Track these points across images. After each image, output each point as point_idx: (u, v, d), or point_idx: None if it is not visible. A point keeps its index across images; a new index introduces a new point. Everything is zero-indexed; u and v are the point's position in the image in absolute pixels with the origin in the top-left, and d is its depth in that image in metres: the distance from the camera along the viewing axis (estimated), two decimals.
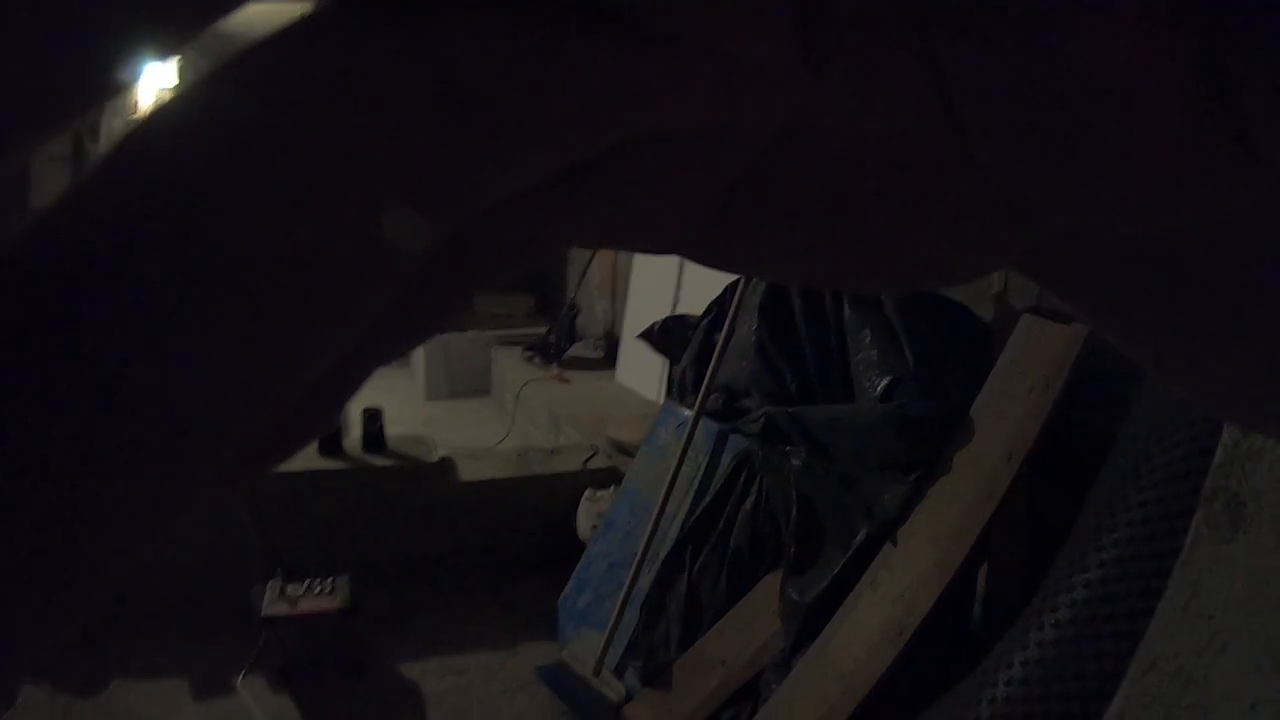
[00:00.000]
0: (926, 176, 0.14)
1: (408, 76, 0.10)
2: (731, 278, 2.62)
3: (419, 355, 4.96)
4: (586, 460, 3.27)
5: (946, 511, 1.83)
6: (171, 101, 0.09)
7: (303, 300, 0.09)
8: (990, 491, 1.78)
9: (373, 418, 3.06)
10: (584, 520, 2.96)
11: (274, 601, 2.51)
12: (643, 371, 3.99)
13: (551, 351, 4.63)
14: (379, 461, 3.00)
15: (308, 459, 2.90)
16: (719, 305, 2.70)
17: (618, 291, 4.63)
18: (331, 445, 2.96)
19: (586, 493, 3.05)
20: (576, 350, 4.68)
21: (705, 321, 2.74)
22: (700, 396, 2.51)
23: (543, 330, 4.88)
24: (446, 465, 3.09)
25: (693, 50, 0.11)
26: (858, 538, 1.96)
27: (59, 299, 0.08)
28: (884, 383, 2.04)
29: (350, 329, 0.10)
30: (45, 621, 0.08)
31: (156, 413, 0.08)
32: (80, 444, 0.08)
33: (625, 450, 3.21)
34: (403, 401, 4.51)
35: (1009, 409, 1.85)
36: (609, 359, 4.49)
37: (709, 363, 2.54)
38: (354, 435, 3.04)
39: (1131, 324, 0.17)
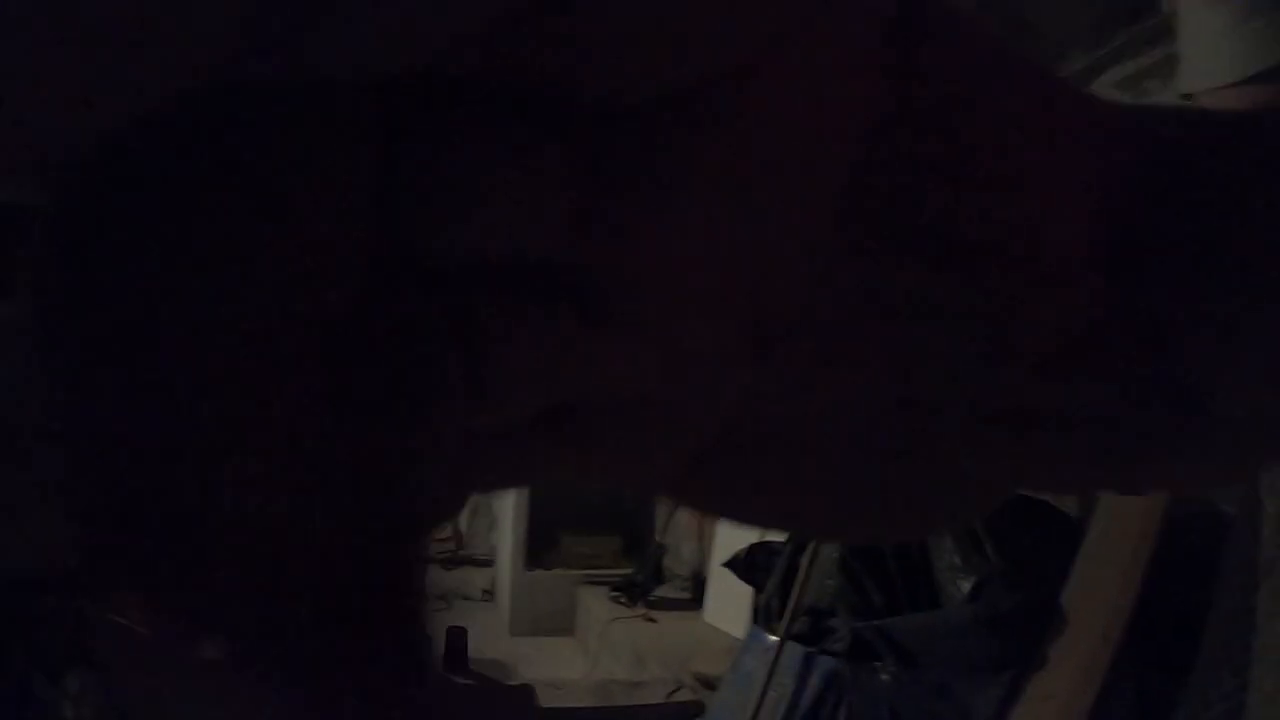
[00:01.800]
0: (886, 446, 0.15)
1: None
2: None
3: (505, 589, 4.95)
4: (670, 694, 3.15)
5: (1045, 708, 1.72)
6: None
7: None
8: (1089, 676, 1.68)
9: (457, 636, 3.04)
10: None
11: None
12: (730, 609, 3.89)
13: (638, 591, 4.57)
14: (458, 680, 2.96)
15: None
16: None
17: (705, 532, 4.62)
18: None
19: None
20: (663, 590, 4.62)
21: (790, 546, 2.73)
22: (785, 619, 2.45)
23: (629, 570, 4.85)
24: (526, 691, 3.02)
25: (643, 332, 0.12)
26: None
27: None
28: (969, 584, 1.99)
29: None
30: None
31: None
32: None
33: (710, 685, 3.09)
34: (484, 633, 4.47)
35: (1099, 587, 1.78)
36: (696, 599, 4.41)
37: (793, 586, 2.51)
38: (437, 651, 3.03)
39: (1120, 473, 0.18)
